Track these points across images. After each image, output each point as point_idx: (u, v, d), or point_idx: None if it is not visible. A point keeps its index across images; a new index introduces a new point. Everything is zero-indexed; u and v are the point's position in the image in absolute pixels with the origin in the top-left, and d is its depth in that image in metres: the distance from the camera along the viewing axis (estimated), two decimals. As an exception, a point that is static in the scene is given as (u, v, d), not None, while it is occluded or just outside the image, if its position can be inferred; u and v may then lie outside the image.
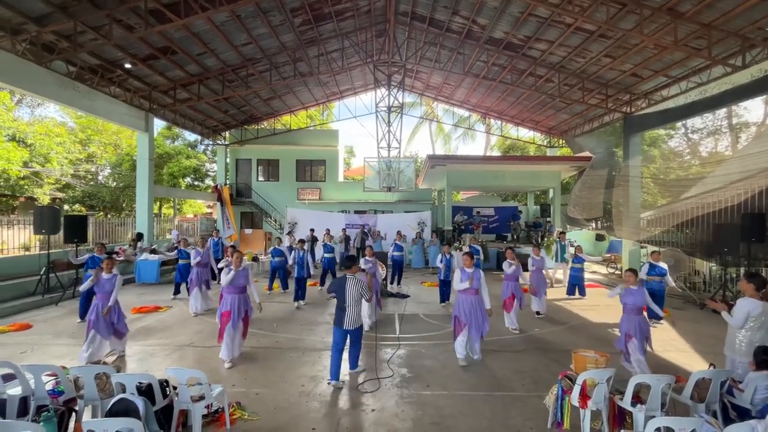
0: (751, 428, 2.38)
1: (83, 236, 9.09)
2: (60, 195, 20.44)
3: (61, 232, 8.89)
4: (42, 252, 9.30)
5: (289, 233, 13.70)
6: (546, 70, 12.55)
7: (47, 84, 9.49)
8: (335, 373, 4.53)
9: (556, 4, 8.92)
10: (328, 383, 4.52)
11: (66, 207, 20.54)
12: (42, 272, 8.61)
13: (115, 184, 22.64)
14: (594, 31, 9.66)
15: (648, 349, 4.85)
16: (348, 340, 4.65)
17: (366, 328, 6.06)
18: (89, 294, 7.04)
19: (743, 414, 3.21)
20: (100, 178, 23.36)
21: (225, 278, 5.25)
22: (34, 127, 18.72)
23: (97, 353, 5.09)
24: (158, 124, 19.31)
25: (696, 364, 5.14)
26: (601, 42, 10.11)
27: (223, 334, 5.09)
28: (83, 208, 21.06)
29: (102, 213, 21.19)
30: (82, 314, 7.03)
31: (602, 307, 8.42)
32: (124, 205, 22.30)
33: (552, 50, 11.23)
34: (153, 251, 11.93)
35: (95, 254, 7.21)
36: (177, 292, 9.07)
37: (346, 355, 4.86)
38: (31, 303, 8.08)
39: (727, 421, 3.26)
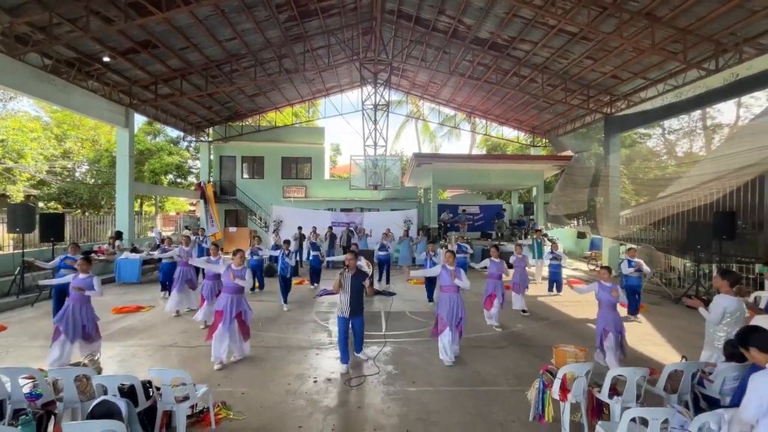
0: (719, 417, 2.51)
1: (60, 235, 8.82)
2: (34, 192, 19.72)
3: (37, 231, 8.58)
4: (16, 251, 8.99)
5: (275, 231, 13.57)
6: (530, 71, 12.76)
7: (21, 77, 9.14)
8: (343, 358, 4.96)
9: (539, 5, 9.08)
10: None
11: (41, 204, 19.84)
12: (16, 272, 8.32)
13: (93, 180, 21.98)
14: (576, 33, 9.88)
15: (623, 344, 5.02)
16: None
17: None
18: (61, 295, 6.72)
19: (713, 403, 3.37)
20: (77, 174, 22.63)
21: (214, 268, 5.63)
22: (7, 122, 18.00)
23: (67, 359, 4.81)
24: (139, 120, 18.81)
25: (670, 357, 5.34)
26: (583, 44, 10.35)
27: (212, 334, 4.99)
28: (59, 206, 20.38)
29: (79, 211, 20.56)
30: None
31: (582, 303, 8.63)
32: (102, 202, 21.68)
33: (536, 51, 11.43)
34: (134, 249, 11.66)
35: (68, 254, 6.88)
36: (165, 290, 8.77)
37: (333, 354, 4.83)
38: (4, 304, 7.79)
39: (698, 410, 3.41)
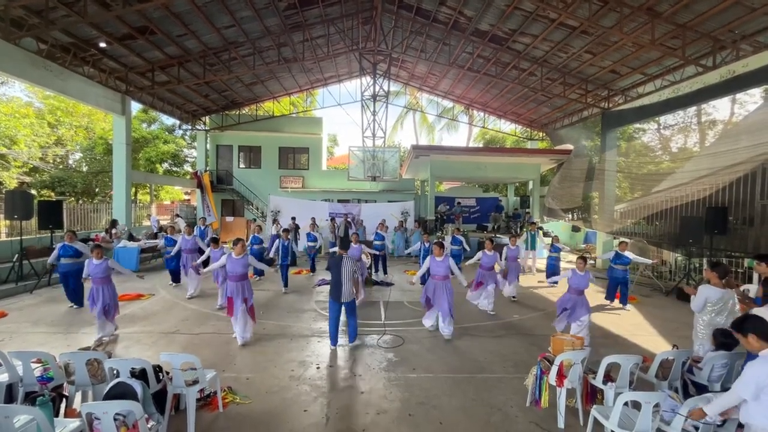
0: (708, 400, 2.65)
1: (58, 222, 8.78)
2: (27, 179, 19.49)
3: (35, 218, 8.55)
4: (13, 238, 8.95)
5: (274, 221, 13.59)
6: (529, 64, 12.77)
7: (16, 62, 9.00)
8: (334, 339, 5.31)
9: (541, -2, 9.10)
10: (331, 348, 5.27)
11: (33, 192, 19.61)
12: (15, 259, 8.31)
13: (87, 168, 21.73)
14: (576, 27, 9.90)
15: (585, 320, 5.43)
16: (344, 313, 5.36)
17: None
18: (66, 280, 6.90)
19: (702, 390, 3.53)
20: (70, 162, 22.35)
21: (220, 264, 5.67)
22: (-1, 107, 17.71)
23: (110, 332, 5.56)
24: (134, 107, 18.55)
25: (661, 346, 5.53)
26: (583, 38, 10.38)
27: (232, 313, 5.40)
28: (52, 194, 20.16)
29: (73, 199, 20.36)
30: (74, 300, 6.95)
31: (577, 294, 8.82)
32: (97, 190, 21.48)
33: (536, 44, 11.43)
34: (131, 238, 11.65)
35: (65, 243, 6.89)
36: (176, 280, 8.89)
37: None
38: (3, 291, 7.79)
39: (687, 396, 3.57)
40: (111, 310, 5.51)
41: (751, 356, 2.53)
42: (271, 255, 8.90)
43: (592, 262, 13.54)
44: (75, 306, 6.95)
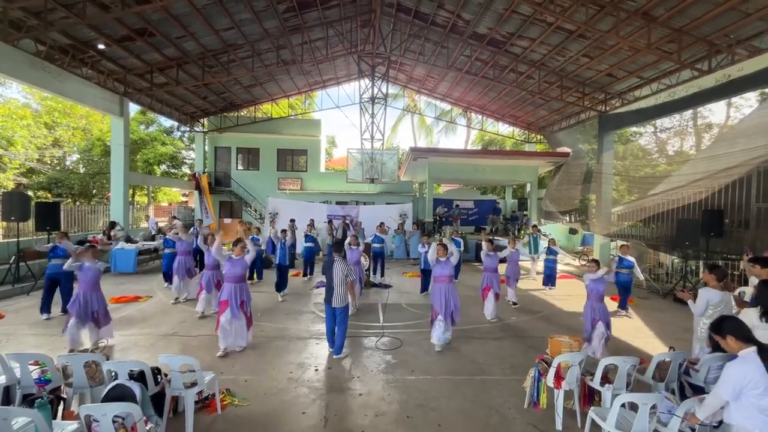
0: (703, 402, 2.67)
1: (55, 224, 8.76)
2: (24, 181, 19.40)
3: (32, 220, 8.52)
4: (10, 240, 8.92)
5: (272, 223, 13.55)
6: (527, 67, 12.84)
7: (14, 63, 8.98)
8: (331, 342, 5.22)
9: (538, 2, 9.15)
10: (329, 350, 5.22)
11: (30, 194, 19.52)
12: (11, 261, 8.27)
13: (84, 170, 21.65)
14: (574, 30, 9.96)
15: (609, 336, 5.25)
16: (335, 319, 5.15)
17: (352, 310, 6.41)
18: (52, 287, 6.62)
19: (698, 391, 3.55)
20: (67, 163, 22.27)
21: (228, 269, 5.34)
22: (-4, 108, 17.63)
23: (77, 341, 5.07)
24: (132, 109, 18.52)
25: (658, 348, 5.55)
26: (580, 42, 10.45)
27: (219, 323, 5.12)
28: (49, 195, 20.07)
29: (70, 200, 20.28)
30: (44, 308, 6.53)
31: (574, 297, 8.86)
32: (94, 192, 21.40)
33: (533, 48, 11.50)
34: (128, 239, 11.61)
35: (57, 244, 6.77)
36: (168, 281, 8.79)
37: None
38: (0, 293, 7.76)
39: (684, 398, 3.59)
40: (102, 319, 5.23)
41: (733, 358, 2.56)
42: (278, 261, 8.70)
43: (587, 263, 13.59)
44: (46, 316, 6.51)
